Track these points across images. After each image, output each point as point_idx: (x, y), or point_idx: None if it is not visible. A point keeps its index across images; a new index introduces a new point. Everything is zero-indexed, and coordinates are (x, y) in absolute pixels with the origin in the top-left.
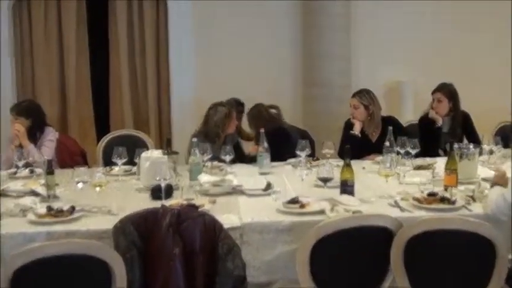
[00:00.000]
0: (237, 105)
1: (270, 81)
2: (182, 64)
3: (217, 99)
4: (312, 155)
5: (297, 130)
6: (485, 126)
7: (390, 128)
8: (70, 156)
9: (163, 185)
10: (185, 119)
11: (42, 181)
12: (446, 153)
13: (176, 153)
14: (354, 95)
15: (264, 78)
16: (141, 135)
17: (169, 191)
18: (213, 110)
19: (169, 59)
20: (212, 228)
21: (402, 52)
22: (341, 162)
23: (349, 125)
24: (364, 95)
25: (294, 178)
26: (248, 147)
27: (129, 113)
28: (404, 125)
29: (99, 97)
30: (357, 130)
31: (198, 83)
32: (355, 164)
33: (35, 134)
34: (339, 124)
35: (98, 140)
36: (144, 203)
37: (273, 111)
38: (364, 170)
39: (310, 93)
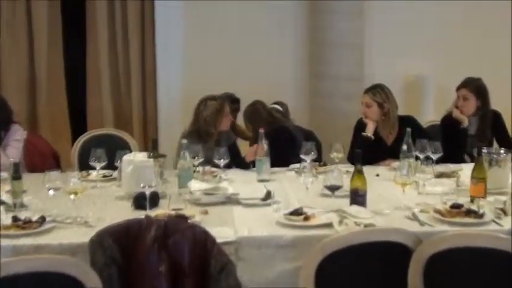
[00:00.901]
0: (231, 101)
1: (270, 74)
2: (170, 55)
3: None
4: (319, 160)
5: (301, 130)
6: None
7: (408, 129)
8: (40, 159)
9: (148, 192)
10: (173, 117)
11: (8, 187)
12: (473, 159)
13: (163, 156)
14: (366, 91)
15: (264, 71)
16: (123, 135)
17: (154, 199)
18: (202, 105)
19: (156, 49)
20: (203, 242)
21: (423, 41)
22: (351, 168)
23: (361, 126)
24: (378, 92)
25: (297, 186)
26: (246, 147)
27: (109, 110)
28: (425, 126)
29: (75, 91)
30: (369, 131)
31: (188, 76)
32: (368, 170)
33: None
34: (349, 123)
35: (73, 140)
36: (126, 213)
37: (276, 106)
38: (378, 178)
39: (316, 87)
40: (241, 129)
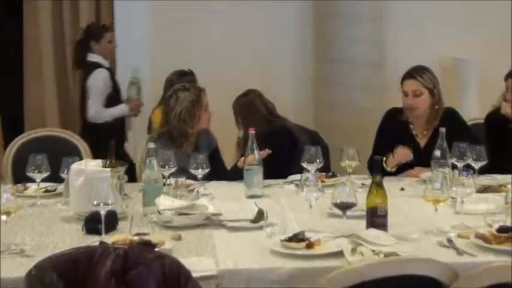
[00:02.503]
0: (179, 75)
1: (261, 57)
2: (133, 32)
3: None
4: (326, 169)
5: (303, 132)
6: None
7: (442, 129)
8: None
9: (103, 212)
10: (137, 118)
11: None
12: None
13: (123, 164)
14: (410, 75)
15: (257, 52)
16: (71, 137)
17: (112, 221)
18: (172, 98)
19: (116, 27)
20: (175, 277)
21: (464, 14)
22: (368, 181)
23: (393, 119)
24: (426, 74)
25: (297, 204)
26: (230, 153)
27: (53, 105)
28: None
29: (7, 78)
30: (391, 165)
31: (156, 59)
32: (390, 182)
33: None
34: (366, 122)
35: (6, 144)
36: (74, 239)
37: None
38: (403, 193)
39: (322, 75)
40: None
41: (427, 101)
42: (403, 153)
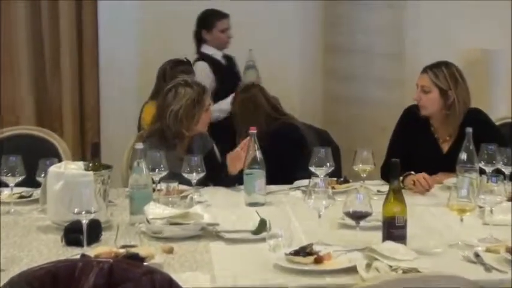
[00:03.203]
0: (172, 64)
1: (267, 46)
2: (120, 18)
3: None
4: (337, 174)
5: (312, 131)
6: None
7: (469, 129)
8: None
9: (85, 221)
10: (124, 112)
11: None
12: None
13: (108, 167)
14: (425, 70)
15: (258, 42)
16: (49, 136)
17: (95, 231)
18: (171, 93)
19: (98, 14)
20: None
21: (491, 3)
22: (385, 187)
23: (410, 118)
24: (442, 72)
25: (305, 213)
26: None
27: (29, 99)
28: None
29: None
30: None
31: (145, 51)
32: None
33: None
34: (383, 121)
35: None
36: (53, 251)
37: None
38: (425, 201)
39: (333, 67)
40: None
41: (435, 102)
42: (424, 184)
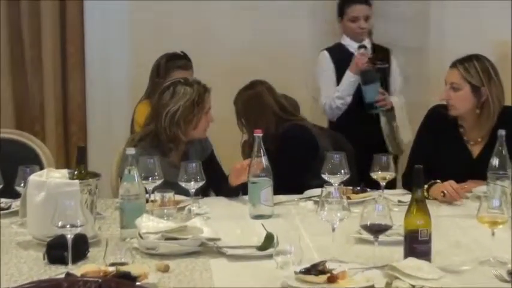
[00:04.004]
0: (168, 58)
1: (275, 42)
2: (107, 13)
3: None
4: (353, 182)
5: (324, 134)
6: None
7: (502, 132)
8: None
9: (70, 236)
10: (113, 113)
11: None
12: None
13: (96, 175)
14: (455, 64)
15: (265, 38)
16: (30, 140)
17: (81, 247)
18: (169, 92)
19: (84, 8)
20: None
21: None
22: (407, 197)
23: (434, 118)
24: (474, 66)
25: (317, 226)
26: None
27: (7, 99)
28: None
29: None
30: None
31: (138, 43)
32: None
33: None
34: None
35: None
36: (34, 269)
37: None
38: (452, 212)
39: None
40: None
41: (467, 100)
42: (454, 195)
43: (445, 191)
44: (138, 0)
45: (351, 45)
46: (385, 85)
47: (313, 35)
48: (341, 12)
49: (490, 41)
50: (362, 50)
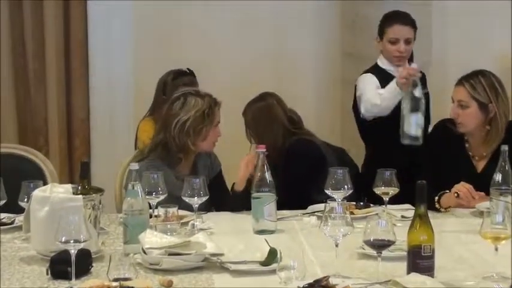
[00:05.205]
0: (174, 75)
1: (278, 53)
2: (112, 26)
3: None
4: (356, 197)
5: (329, 149)
6: None
7: (504, 147)
8: None
9: (73, 251)
10: (116, 127)
11: None
12: None
13: (99, 190)
14: (461, 82)
15: (268, 49)
16: (33, 155)
17: (84, 263)
18: (179, 102)
19: (88, 20)
20: None
21: None
22: (410, 212)
23: (439, 134)
24: (480, 83)
25: (320, 241)
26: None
27: (10, 114)
28: None
29: None
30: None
31: (142, 57)
32: (436, 214)
33: None
34: None
35: None
36: (37, 284)
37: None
38: (455, 228)
39: (351, 74)
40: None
41: (475, 117)
42: (468, 196)
43: (459, 192)
44: (142, 15)
45: (390, 69)
46: (428, 114)
47: (317, 49)
48: (381, 32)
49: (492, 54)
50: (414, 65)
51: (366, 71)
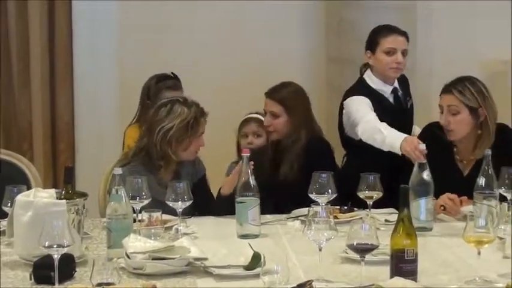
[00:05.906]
0: (158, 79)
1: (264, 58)
2: (97, 29)
3: None
4: (340, 202)
5: None
6: None
7: (488, 151)
8: None
9: (57, 256)
10: (101, 132)
11: None
12: None
13: (83, 195)
14: (448, 89)
15: (254, 53)
16: (16, 159)
17: (68, 267)
18: (165, 109)
19: (73, 21)
20: None
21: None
22: (393, 216)
23: (432, 137)
24: (468, 89)
25: (304, 245)
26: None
27: None
28: None
29: None
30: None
31: (125, 60)
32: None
33: None
34: None
35: None
36: None
37: (256, 116)
38: (437, 232)
39: (339, 79)
40: None
41: (467, 123)
42: (454, 208)
43: (445, 205)
44: (128, 16)
45: (382, 89)
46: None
47: (302, 52)
48: (373, 44)
49: (481, 59)
50: (423, 146)
51: (356, 91)
